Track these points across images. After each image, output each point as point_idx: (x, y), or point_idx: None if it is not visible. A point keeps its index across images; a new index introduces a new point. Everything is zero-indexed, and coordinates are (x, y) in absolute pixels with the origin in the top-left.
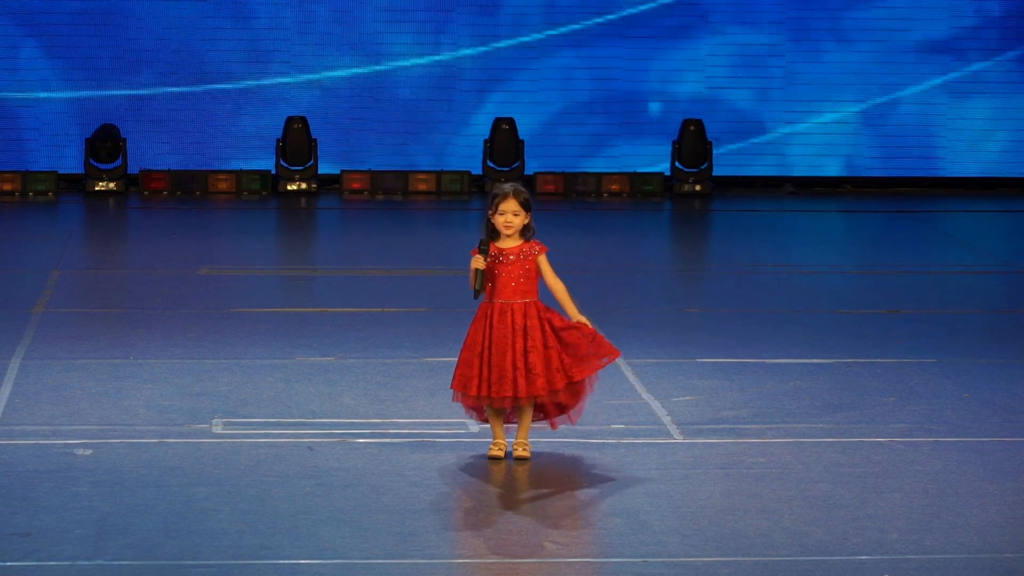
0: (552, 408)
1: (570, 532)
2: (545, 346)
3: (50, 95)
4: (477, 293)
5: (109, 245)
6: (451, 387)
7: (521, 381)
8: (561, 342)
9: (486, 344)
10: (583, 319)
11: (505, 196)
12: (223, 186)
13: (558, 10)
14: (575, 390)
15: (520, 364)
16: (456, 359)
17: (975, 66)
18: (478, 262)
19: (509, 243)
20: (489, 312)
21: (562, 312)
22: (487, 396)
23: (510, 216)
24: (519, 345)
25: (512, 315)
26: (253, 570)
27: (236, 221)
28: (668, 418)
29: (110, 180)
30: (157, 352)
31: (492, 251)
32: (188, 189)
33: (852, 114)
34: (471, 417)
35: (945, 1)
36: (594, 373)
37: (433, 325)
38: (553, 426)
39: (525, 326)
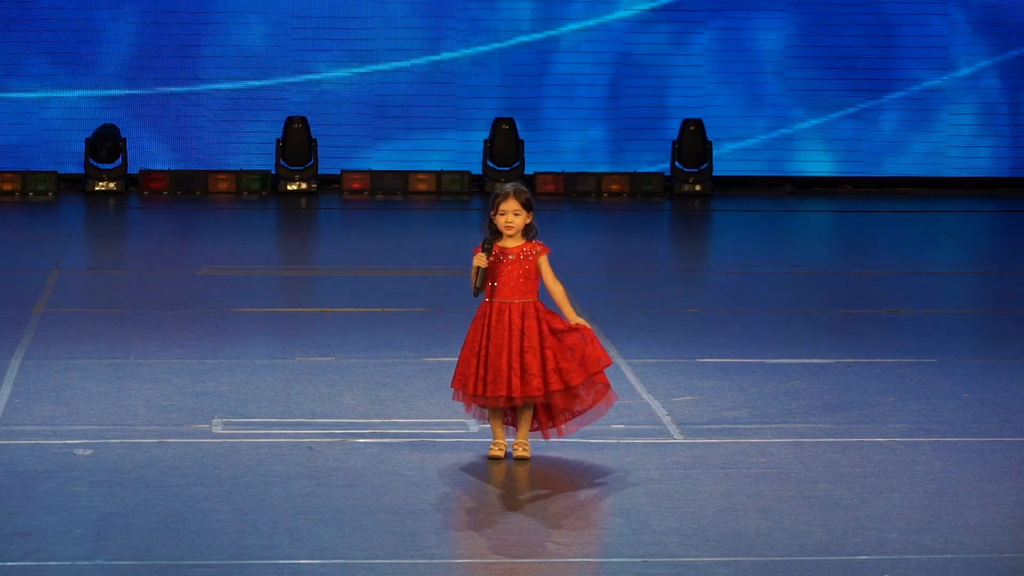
0: (543, 415)
1: (570, 532)
2: (542, 347)
3: (50, 95)
4: (477, 291)
5: (109, 245)
6: (451, 386)
7: (516, 381)
8: (560, 344)
9: (484, 343)
10: (582, 321)
11: (505, 196)
12: (223, 186)
13: (558, 10)
14: (572, 394)
15: (516, 364)
16: (457, 358)
17: (974, 66)
18: (480, 260)
19: (511, 243)
20: (488, 311)
21: (563, 315)
22: (482, 395)
23: (511, 216)
24: (515, 345)
25: (510, 315)
26: (253, 570)
27: (236, 221)
28: (668, 418)
29: (110, 180)
30: (157, 352)
31: (495, 250)
32: (188, 189)
33: (852, 114)
34: (473, 417)
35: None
36: (602, 390)
37: (433, 325)
38: (545, 435)
39: (523, 326)
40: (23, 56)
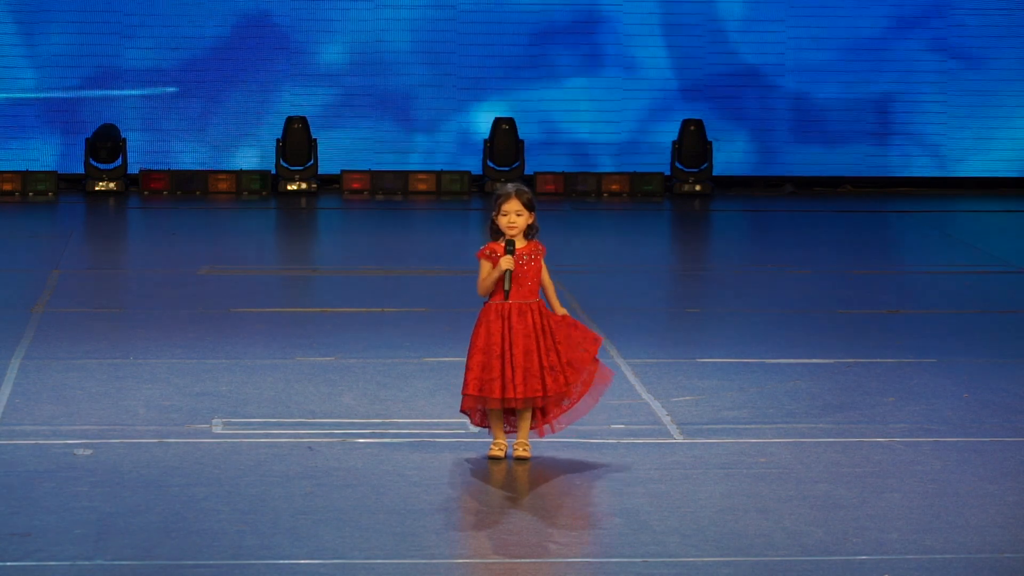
0: (539, 413)
1: (570, 532)
2: (555, 343)
3: (50, 95)
4: (507, 294)
5: (109, 245)
6: (467, 392)
7: (548, 379)
8: (561, 337)
9: (507, 346)
10: (564, 311)
11: (508, 196)
12: (223, 186)
13: (558, 9)
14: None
15: (546, 363)
16: (466, 364)
17: (974, 65)
18: (509, 262)
19: (518, 243)
20: (506, 313)
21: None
22: (514, 398)
23: (513, 216)
24: (543, 344)
25: (532, 315)
26: (253, 570)
27: (236, 221)
28: (668, 418)
29: (110, 180)
30: (157, 352)
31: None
32: (188, 189)
33: (851, 113)
34: (478, 426)
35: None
36: (594, 377)
37: (433, 325)
38: (540, 433)
39: (543, 324)
40: (23, 55)
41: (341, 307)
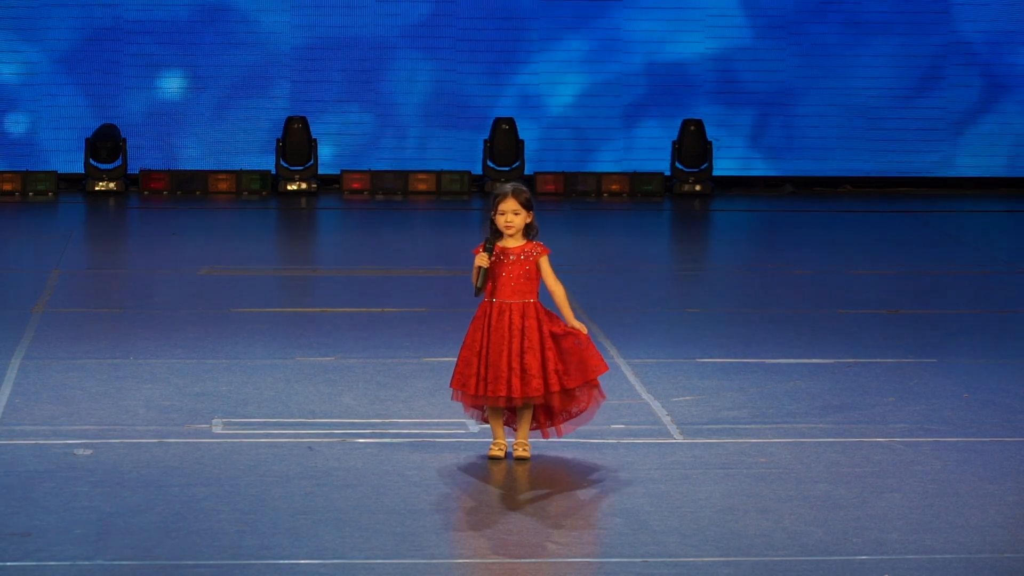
0: (543, 415)
1: (570, 532)
2: (542, 348)
3: (50, 95)
4: (479, 291)
5: (109, 245)
6: (450, 385)
7: (516, 382)
8: (557, 347)
9: (484, 343)
10: (579, 325)
11: (505, 196)
12: (223, 186)
13: (558, 7)
14: (569, 396)
15: (515, 365)
16: (456, 358)
17: (975, 64)
18: (482, 260)
19: (512, 243)
20: (489, 311)
21: (562, 316)
22: (484, 395)
23: (510, 215)
24: (515, 345)
25: (510, 315)
26: (253, 570)
27: (236, 221)
28: (668, 418)
29: (110, 180)
30: (157, 352)
31: (496, 250)
32: (188, 189)
33: (852, 113)
34: (472, 417)
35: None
36: (592, 390)
37: (433, 325)
38: (544, 435)
39: (523, 326)
40: (23, 55)
41: (341, 307)
